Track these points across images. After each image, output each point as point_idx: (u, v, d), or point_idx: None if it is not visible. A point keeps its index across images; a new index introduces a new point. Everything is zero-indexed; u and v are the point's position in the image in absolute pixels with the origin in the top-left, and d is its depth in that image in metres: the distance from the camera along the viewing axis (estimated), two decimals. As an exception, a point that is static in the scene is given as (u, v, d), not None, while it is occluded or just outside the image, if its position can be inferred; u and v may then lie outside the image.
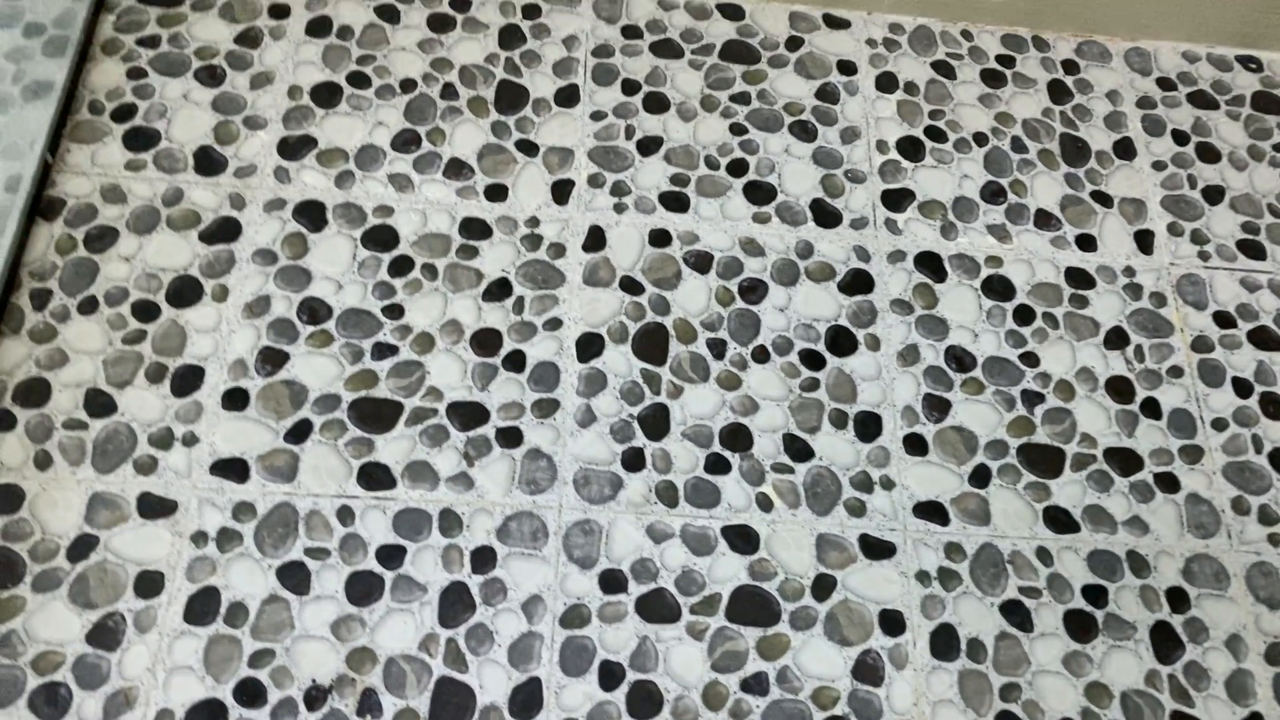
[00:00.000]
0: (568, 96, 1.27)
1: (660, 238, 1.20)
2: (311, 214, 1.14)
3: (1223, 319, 1.24)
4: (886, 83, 1.34)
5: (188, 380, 1.05)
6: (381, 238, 1.14)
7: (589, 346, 1.12)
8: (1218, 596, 1.08)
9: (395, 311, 1.11)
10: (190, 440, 1.02)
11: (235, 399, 1.04)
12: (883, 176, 1.27)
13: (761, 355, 1.15)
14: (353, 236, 1.14)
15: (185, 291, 1.09)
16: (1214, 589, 1.09)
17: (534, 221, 1.18)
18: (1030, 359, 1.18)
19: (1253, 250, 1.28)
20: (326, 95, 1.22)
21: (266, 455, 1.03)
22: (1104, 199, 1.30)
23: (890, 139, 1.30)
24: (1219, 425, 1.17)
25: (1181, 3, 1.37)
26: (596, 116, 1.26)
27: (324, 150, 1.18)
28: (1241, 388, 1.20)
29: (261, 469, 1.02)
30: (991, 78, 1.36)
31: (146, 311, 1.07)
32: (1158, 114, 1.37)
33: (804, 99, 1.31)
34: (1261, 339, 1.23)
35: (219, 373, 1.05)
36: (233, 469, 1.02)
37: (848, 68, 1.34)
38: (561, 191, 1.21)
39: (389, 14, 1.28)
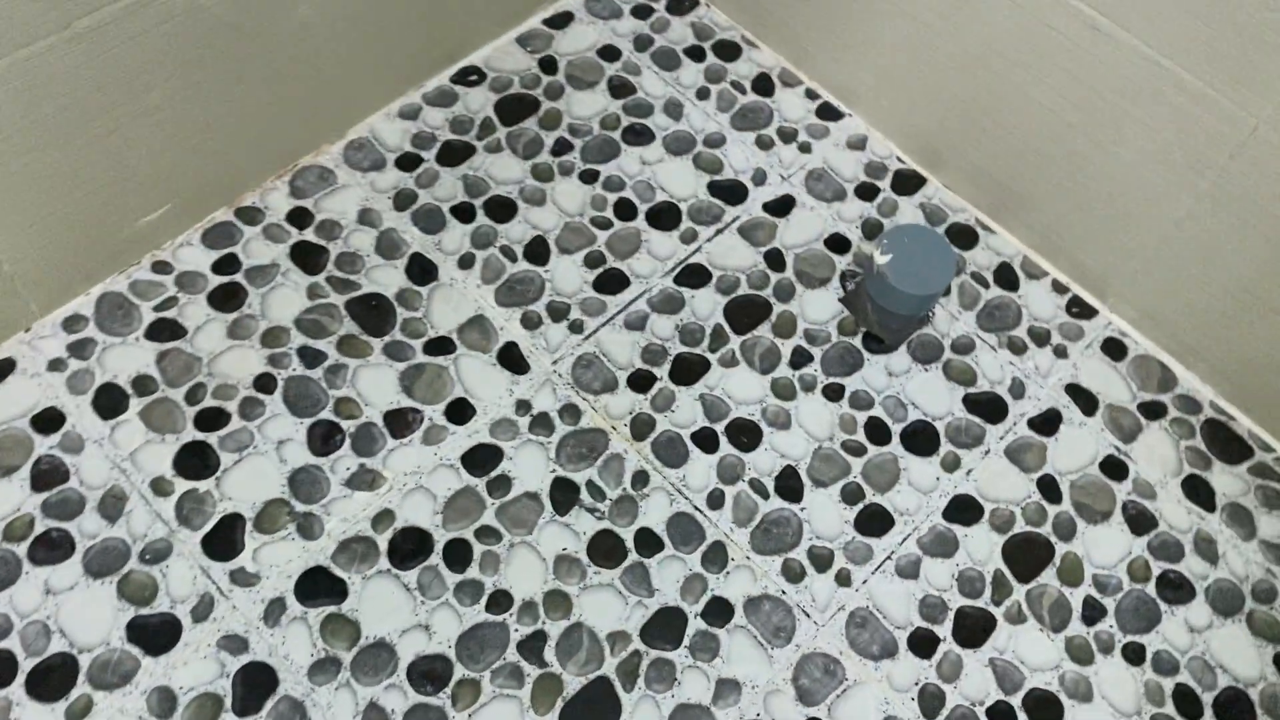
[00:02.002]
0: None
1: None
2: None
3: (638, 381, 1.02)
4: (111, 400, 0.94)
5: None
6: None
7: None
8: (845, 693, 0.90)
9: None
10: None
11: None
12: (194, 527, 0.90)
13: None
14: None
15: None
16: (835, 686, 0.90)
17: None
18: (500, 602, 0.90)
19: (612, 284, 1.07)
20: None
21: None
22: (443, 346, 1.01)
23: (165, 470, 0.92)
24: (715, 501, 0.96)
25: (339, 70, 1.08)
26: None
27: None
28: (704, 441, 0.99)
29: None
30: (224, 298, 1.01)
31: None
32: (425, 204, 1.09)
33: (25, 506, 0.89)
34: (683, 372, 1.03)
35: None
36: None
37: (48, 422, 0.93)
38: None
39: None
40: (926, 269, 0.98)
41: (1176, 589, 0.95)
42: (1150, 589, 0.95)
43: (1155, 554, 0.97)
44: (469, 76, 1.17)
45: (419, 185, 1.09)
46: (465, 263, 1.05)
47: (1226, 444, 1.03)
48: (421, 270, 1.04)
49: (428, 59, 1.14)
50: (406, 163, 1.10)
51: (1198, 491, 1.00)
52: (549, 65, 1.19)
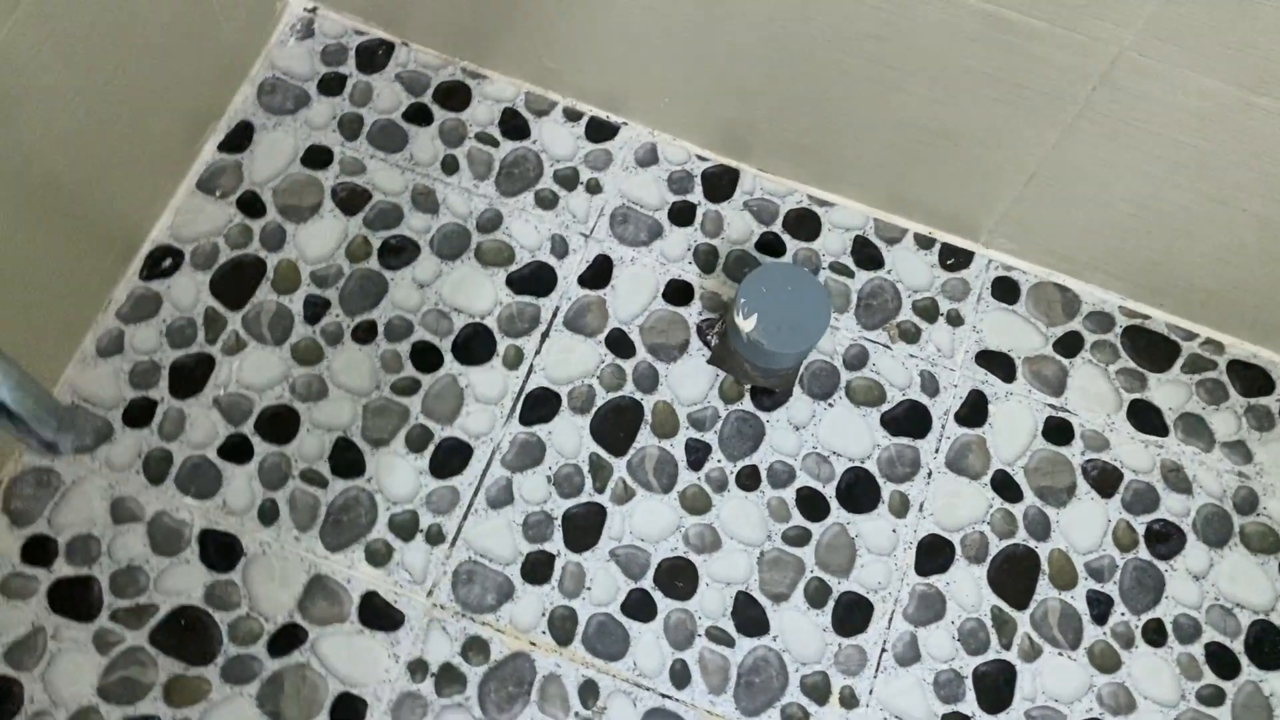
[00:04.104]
0: None
1: None
2: None
3: (534, 570, 0.84)
4: None
5: None
6: None
7: None
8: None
9: None
10: None
11: None
12: None
13: None
14: None
15: None
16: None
17: None
18: None
19: (452, 461, 0.87)
20: None
21: None
22: (290, 637, 0.80)
23: None
24: (680, 678, 0.81)
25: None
26: None
27: None
28: (638, 609, 0.83)
29: None
30: None
31: None
32: (185, 461, 0.84)
33: None
34: (579, 533, 0.85)
35: None
36: None
37: None
38: None
39: None
40: (799, 313, 0.82)
41: (1166, 540, 0.87)
42: (1143, 553, 0.87)
43: (1131, 510, 0.88)
44: (162, 263, 0.90)
45: (165, 438, 0.85)
46: (267, 516, 0.83)
47: (1151, 349, 0.94)
48: (220, 551, 0.82)
49: (99, 263, 0.87)
50: (137, 416, 0.85)
51: (1145, 418, 0.91)
52: (252, 205, 0.93)
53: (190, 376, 0.86)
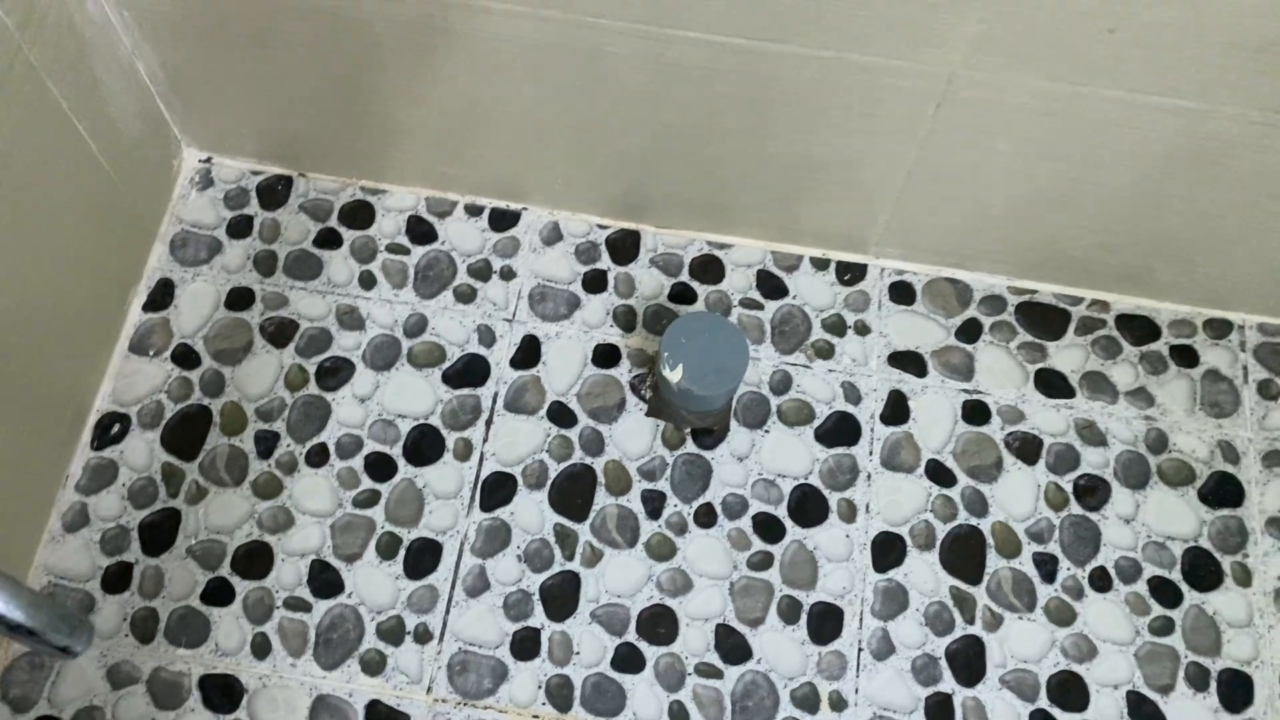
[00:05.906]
0: None
1: None
2: None
3: (522, 647, 0.87)
4: None
5: None
6: None
7: None
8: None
9: None
10: None
11: None
12: None
13: None
14: None
15: None
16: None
17: None
18: None
19: (424, 560, 0.90)
20: None
21: None
22: None
23: None
24: (679, 718, 0.86)
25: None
26: None
27: None
28: (627, 663, 0.87)
29: None
30: None
31: None
32: (171, 614, 0.86)
33: None
34: (558, 603, 0.89)
35: None
36: None
37: None
38: None
39: None
40: (720, 356, 0.87)
41: (1093, 492, 0.93)
42: (1075, 509, 0.93)
43: (1056, 471, 0.94)
44: (110, 430, 0.92)
45: (146, 597, 0.87)
46: (260, 650, 0.85)
47: (1044, 320, 1.00)
48: (222, 693, 0.84)
49: (49, 442, 0.89)
50: (114, 582, 0.87)
51: (1052, 385, 0.97)
52: (187, 357, 0.95)
53: (159, 533, 0.88)
